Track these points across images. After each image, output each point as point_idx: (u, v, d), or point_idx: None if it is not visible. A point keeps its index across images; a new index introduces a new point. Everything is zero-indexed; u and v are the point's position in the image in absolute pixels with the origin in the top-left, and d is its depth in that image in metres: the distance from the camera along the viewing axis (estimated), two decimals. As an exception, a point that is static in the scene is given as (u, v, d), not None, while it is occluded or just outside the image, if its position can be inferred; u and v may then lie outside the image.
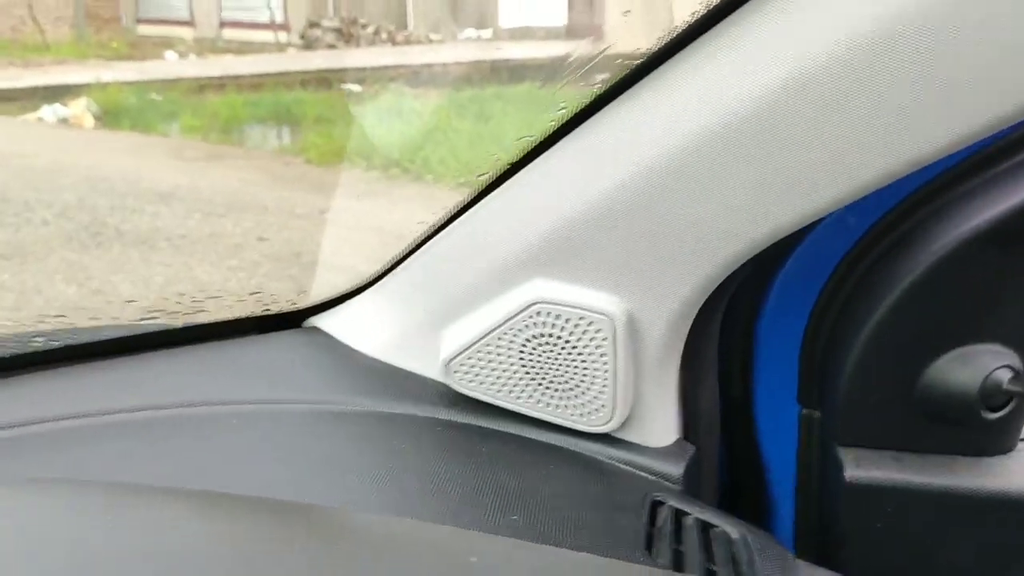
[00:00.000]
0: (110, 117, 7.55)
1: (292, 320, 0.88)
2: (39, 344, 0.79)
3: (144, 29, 13.56)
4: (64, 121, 7.49)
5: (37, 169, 5.48)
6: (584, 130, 0.65)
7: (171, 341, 0.83)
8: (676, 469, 0.69)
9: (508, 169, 0.69)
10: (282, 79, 9.07)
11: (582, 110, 0.64)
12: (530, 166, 0.68)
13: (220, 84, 8.86)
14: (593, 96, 0.63)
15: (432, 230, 0.75)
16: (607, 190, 0.63)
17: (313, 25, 12.72)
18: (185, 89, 8.67)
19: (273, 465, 0.65)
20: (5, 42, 12.46)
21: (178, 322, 0.86)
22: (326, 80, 9.04)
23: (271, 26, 12.81)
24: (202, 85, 8.85)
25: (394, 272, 0.80)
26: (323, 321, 0.87)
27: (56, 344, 0.79)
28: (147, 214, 4.48)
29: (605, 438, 0.71)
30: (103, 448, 0.66)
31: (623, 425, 0.70)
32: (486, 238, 0.71)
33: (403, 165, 5.18)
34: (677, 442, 0.71)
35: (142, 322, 0.87)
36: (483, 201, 0.71)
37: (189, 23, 13.46)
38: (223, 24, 13.30)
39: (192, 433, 0.68)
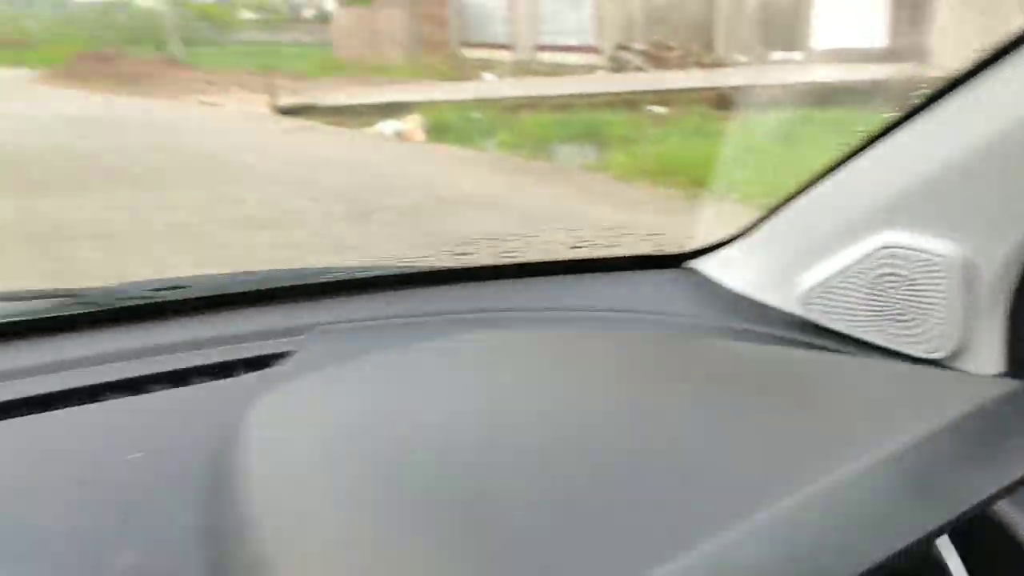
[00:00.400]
0: (436, 132, 8.31)
1: (673, 262, 1.09)
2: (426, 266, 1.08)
3: (468, 52, 14.64)
4: (398, 135, 8.35)
5: (382, 175, 6.20)
6: (928, 112, 0.77)
7: (579, 269, 1.08)
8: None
9: (860, 144, 0.83)
10: (591, 100, 9.44)
11: (932, 95, 0.76)
12: (880, 140, 0.81)
13: (533, 104, 9.38)
14: (946, 82, 0.75)
15: (795, 192, 0.91)
16: (951, 158, 0.75)
17: (622, 48, 13.08)
18: (502, 108, 9.27)
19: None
20: (350, 64, 14.03)
21: (598, 252, 1.14)
22: (633, 101, 9.28)
23: (583, 49, 13.33)
24: (517, 104, 9.42)
25: (763, 223, 0.96)
26: (698, 263, 1.06)
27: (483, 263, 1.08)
28: (470, 219, 4.93)
29: (936, 364, 0.81)
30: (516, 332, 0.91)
31: (953, 354, 0.79)
32: (845, 196, 0.86)
33: (707, 184, 5.26)
34: (1002, 374, 0.79)
35: (573, 249, 1.20)
36: (840, 167, 0.86)
37: (508, 47, 14.32)
38: (539, 48, 14.01)
39: (580, 328, 0.92)
